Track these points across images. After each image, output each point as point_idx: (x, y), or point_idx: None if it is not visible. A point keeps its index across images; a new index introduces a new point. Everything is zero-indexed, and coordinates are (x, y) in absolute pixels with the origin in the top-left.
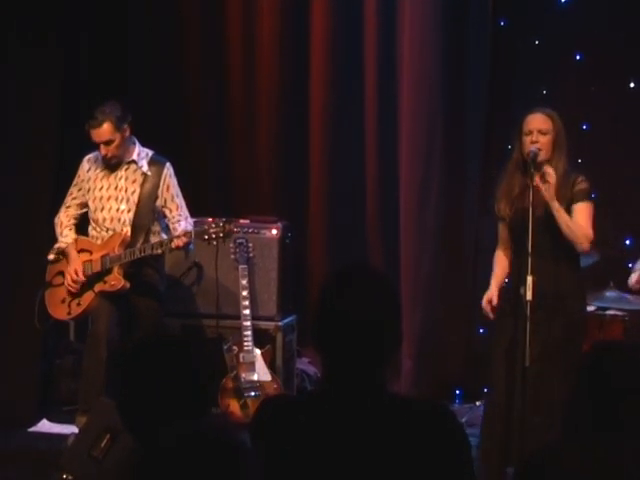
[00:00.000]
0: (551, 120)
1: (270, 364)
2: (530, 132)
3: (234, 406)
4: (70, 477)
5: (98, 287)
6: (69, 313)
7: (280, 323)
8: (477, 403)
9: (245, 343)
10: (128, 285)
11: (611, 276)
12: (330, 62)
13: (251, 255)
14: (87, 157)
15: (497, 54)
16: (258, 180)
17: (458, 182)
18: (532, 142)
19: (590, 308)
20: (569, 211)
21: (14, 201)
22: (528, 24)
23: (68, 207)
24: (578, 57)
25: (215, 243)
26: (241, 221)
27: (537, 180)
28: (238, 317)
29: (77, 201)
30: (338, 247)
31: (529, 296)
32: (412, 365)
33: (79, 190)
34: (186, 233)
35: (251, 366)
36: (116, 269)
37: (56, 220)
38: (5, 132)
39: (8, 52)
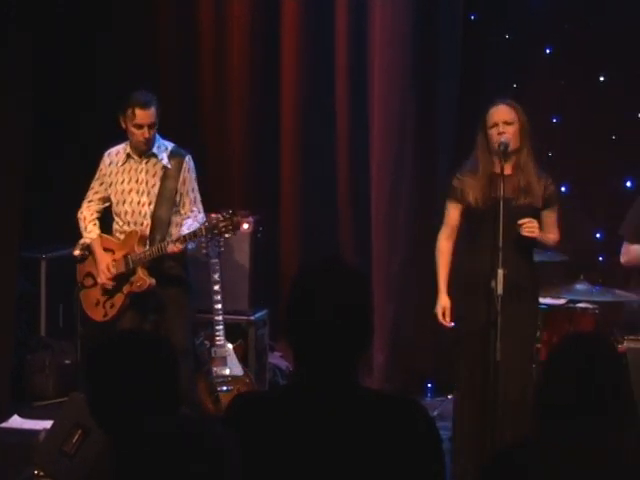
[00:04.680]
0: (514, 110)
1: (242, 359)
2: (496, 124)
3: (206, 401)
4: (42, 473)
5: (126, 288)
6: (105, 315)
7: (252, 317)
8: (449, 396)
9: (217, 337)
10: (154, 282)
11: (582, 269)
12: (301, 59)
13: (222, 249)
14: (107, 152)
15: (468, 49)
16: (229, 175)
17: (429, 178)
18: (500, 133)
19: (561, 301)
20: (540, 214)
21: None
22: (499, 19)
23: (90, 202)
24: (548, 51)
25: (227, 236)
26: (213, 215)
27: (525, 232)
28: (210, 311)
29: (99, 195)
30: (310, 241)
31: (500, 290)
32: (384, 359)
33: (101, 184)
34: (179, 238)
35: (223, 361)
36: (140, 269)
37: (79, 215)
38: None
39: None
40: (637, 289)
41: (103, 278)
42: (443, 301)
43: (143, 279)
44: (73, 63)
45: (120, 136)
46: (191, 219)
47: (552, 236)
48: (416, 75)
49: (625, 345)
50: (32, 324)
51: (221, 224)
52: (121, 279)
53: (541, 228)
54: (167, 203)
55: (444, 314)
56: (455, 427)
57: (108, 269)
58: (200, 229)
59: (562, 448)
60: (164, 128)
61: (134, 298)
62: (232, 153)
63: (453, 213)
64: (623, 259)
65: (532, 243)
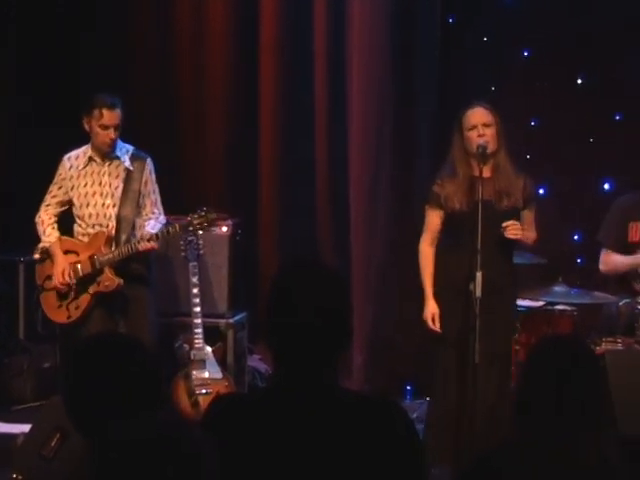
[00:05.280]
0: (491, 113)
1: (221, 361)
2: (474, 126)
3: (185, 404)
4: (20, 476)
5: (93, 289)
6: (69, 317)
7: (231, 320)
8: (428, 398)
9: (196, 340)
10: (122, 282)
11: (560, 271)
12: (279, 58)
13: (201, 252)
14: (67, 156)
15: (446, 51)
16: (208, 177)
17: (408, 179)
18: (479, 136)
19: (539, 303)
20: (519, 213)
21: None
22: (476, 21)
23: (48, 205)
24: (526, 53)
25: (201, 233)
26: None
27: (509, 234)
28: (189, 314)
29: (57, 199)
30: (289, 243)
31: (478, 293)
32: (363, 361)
33: (59, 188)
34: (152, 237)
35: (202, 364)
36: (107, 269)
37: (37, 219)
38: None
39: None
40: (615, 291)
41: (55, 281)
42: (431, 307)
43: (111, 279)
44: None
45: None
46: (153, 220)
47: (531, 235)
48: (395, 76)
49: (603, 347)
50: (10, 327)
51: (195, 221)
52: (87, 280)
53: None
54: (131, 205)
55: (434, 320)
56: (426, 429)
57: (63, 274)
58: (174, 226)
59: (540, 450)
60: (142, 128)
61: (100, 299)
62: (209, 153)
63: (434, 219)
64: (603, 267)
65: (513, 245)
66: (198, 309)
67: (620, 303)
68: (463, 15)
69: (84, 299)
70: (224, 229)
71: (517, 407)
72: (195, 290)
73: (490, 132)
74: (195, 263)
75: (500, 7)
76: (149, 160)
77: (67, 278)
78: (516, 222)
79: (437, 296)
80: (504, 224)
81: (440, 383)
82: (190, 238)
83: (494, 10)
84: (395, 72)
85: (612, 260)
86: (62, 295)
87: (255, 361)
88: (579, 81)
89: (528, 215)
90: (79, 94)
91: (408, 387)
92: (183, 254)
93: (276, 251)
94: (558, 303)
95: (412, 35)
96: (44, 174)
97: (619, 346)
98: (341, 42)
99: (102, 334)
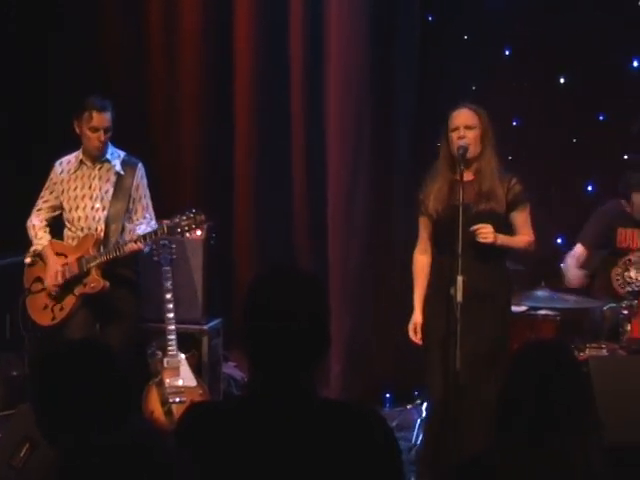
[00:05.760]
0: (477, 115)
1: (195, 369)
2: (456, 128)
3: (158, 413)
4: None
5: (78, 290)
6: (53, 319)
7: (205, 326)
8: (408, 406)
9: (169, 347)
10: (108, 284)
11: (543, 276)
12: (255, 59)
13: (175, 257)
14: (59, 161)
15: (425, 50)
16: (182, 180)
17: (387, 181)
18: (459, 137)
19: (521, 308)
20: (508, 217)
21: None
22: (456, 19)
23: (39, 210)
24: (507, 52)
25: (189, 235)
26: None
27: (479, 238)
28: (162, 321)
29: (49, 204)
30: (264, 248)
31: (459, 297)
32: (341, 369)
33: (51, 193)
34: (139, 238)
35: (176, 371)
36: (94, 270)
37: (28, 224)
38: None
39: None
40: (599, 296)
41: (49, 283)
42: (416, 318)
43: (97, 280)
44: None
45: (69, 147)
46: (144, 224)
47: (524, 237)
48: (373, 77)
49: (587, 353)
50: None
51: (183, 222)
52: (73, 282)
53: (510, 231)
54: (121, 209)
55: (415, 330)
56: (423, 439)
57: (56, 276)
58: (162, 228)
59: (522, 456)
60: (114, 130)
61: (84, 301)
62: (184, 156)
63: (422, 228)
64: (566, 261)
65: (497, 249)
66: (171, 315)
67: (604, 308)
68: (443, 13)
69: (69, 300)
70: (198, 233)
71: (499, 413)
72: (168, 295)
73: (472, 135)
74: (168, 268)
75: (481, 5)
76: (140, 165)
77: (59, 279)
78: (486, 225)
79: (426, 301)
80: (472, 228)
81: (430, 391)
82: (163, 242)
83: (474, 8)
84: (373, 72)
85: (570, 263)
86: (52, 297)
87: (230, 368)
88: (561, 80)
89: (518, 217)
90: (47, 95)
91: (387, 395)
92: (156, 258)
93: (252, 255)
94: (541, 308)
95: (391, 35)
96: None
97: (603, 352)
98: (318, 42)
99: (73, 342)
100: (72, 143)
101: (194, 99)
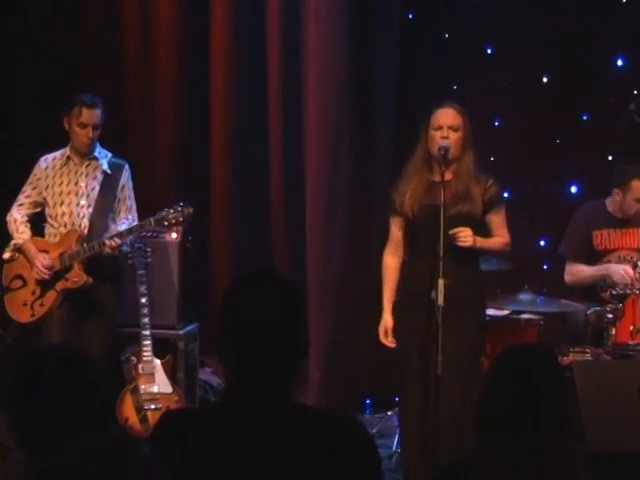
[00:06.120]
0: (461, 116)
1: (171, 375)
2: (440, 127)
3: (133, 420)
4: None
5: (60, 285)
6: (33, 315)
7: (181, 332)
8: (388, 413)
9: (144, 353)
10: (91, 280)
11: (525, 279)
12: (231, 58)
13: (149, 260)
14: (44, 157)
15: (406, 48)
16: (156, 181)
17: (367, 183)
18: (443, 137)
19: (504, 312)
20: (484, 218)
21: None
22: (437, 17)
23: (21, 205)
24: (489, 51)
25: (176, 229)
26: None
27: (459, 242)
28: (137, 325)
29: (31, 199)
30: (241, 251)
31: (440, 301)
32: (320, 375)
33: (34, 189)
34: (118, 233)
35: (151, 377)
36: (76, 265)
37: (9, 218)
38: None
39: None
40: (582, 299)
41: (38, 267)
42: (386, 320)
43: (80, 275)
44: None
45: (41, 146)
46: (126, 224)
47: (500, 239)
48: (352, 75)
49: (570, 357)
50: None
51: (171, 215)
52: (54, 278)
53: (486, 233)
54: (106, 207)
55: (386, 333)
56: (401, 444)
57: (42, 264)
58: (148, 221)
59: (502, 461)
60: None
61: (65, 297)
62: (159, 156)
63: (395, 227)
64: (569, 279)
65: (473, 251)
66: (147, 320)
67: (588, 312)
68: (423, 11)
69: (50, 296)
70: (174, 235)
71: (479, 419)
72: (143, 300)
73: (455, 136)
74: (143, 272)
75: (462, 2)
76: (127, 166)
77: (47, 262)
78: (465, 229)
79: (399, 305)
80: (451, 231)
81: (404, 396)
82: (137, 245)
83: (455, 5)
84: (352, 71)
85: (577, 270)
86: (36, 291)
87: (207, 374)
88: (544, 80)
89: (494, 219)
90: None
91: (367, 401)
92: (130, 262)
93: (228, 259)
94: (524, 312)
95: (370, 32)
96: None
97: (587, 356)
98: (296, 40)
99: (47, 347)
100: (44, 142)
101: (170, 99)
